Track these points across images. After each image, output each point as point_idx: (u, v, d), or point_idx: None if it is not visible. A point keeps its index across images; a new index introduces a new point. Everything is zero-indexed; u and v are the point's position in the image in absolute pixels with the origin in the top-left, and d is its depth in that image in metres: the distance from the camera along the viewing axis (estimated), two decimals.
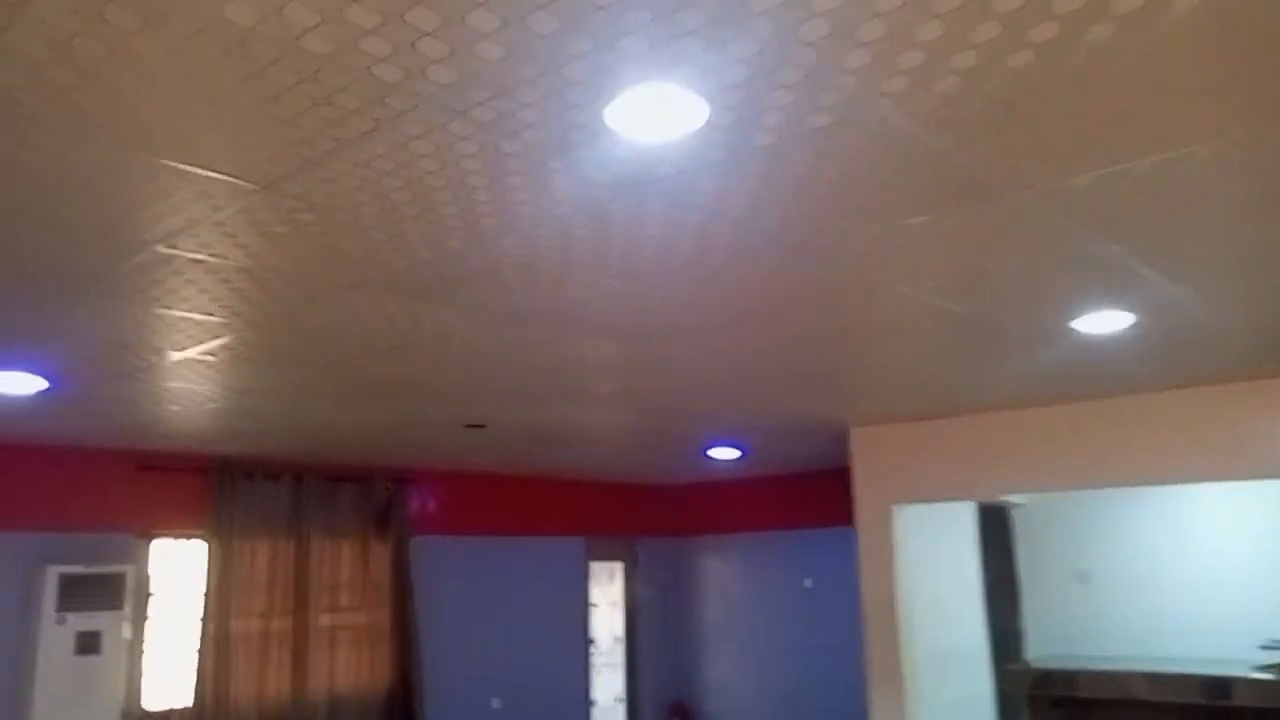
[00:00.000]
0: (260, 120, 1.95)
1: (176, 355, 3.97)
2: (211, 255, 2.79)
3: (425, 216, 2.51)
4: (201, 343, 3.80)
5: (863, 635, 6.48)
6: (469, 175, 2.25)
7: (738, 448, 7.88)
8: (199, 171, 2.20)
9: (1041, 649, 8.39)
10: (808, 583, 9.82)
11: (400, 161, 2.16)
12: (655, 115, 1.91)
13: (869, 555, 6.47)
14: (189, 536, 7.11)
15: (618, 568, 10.66)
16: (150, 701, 6.67)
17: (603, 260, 2.91)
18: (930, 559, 6.93)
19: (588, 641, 9.90)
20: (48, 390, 4.52)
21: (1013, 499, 8.28)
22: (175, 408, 5.11)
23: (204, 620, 6.86)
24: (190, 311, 3.36)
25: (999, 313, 3.64)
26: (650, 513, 10.82)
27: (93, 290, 3.07)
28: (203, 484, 7.11)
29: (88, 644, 6.03)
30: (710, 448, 7.81)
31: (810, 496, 9.84)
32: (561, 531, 9.72)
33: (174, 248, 2.72)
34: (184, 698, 6.80)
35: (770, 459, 8.52)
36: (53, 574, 6.01)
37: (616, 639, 10.46)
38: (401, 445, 6.88)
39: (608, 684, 10.21)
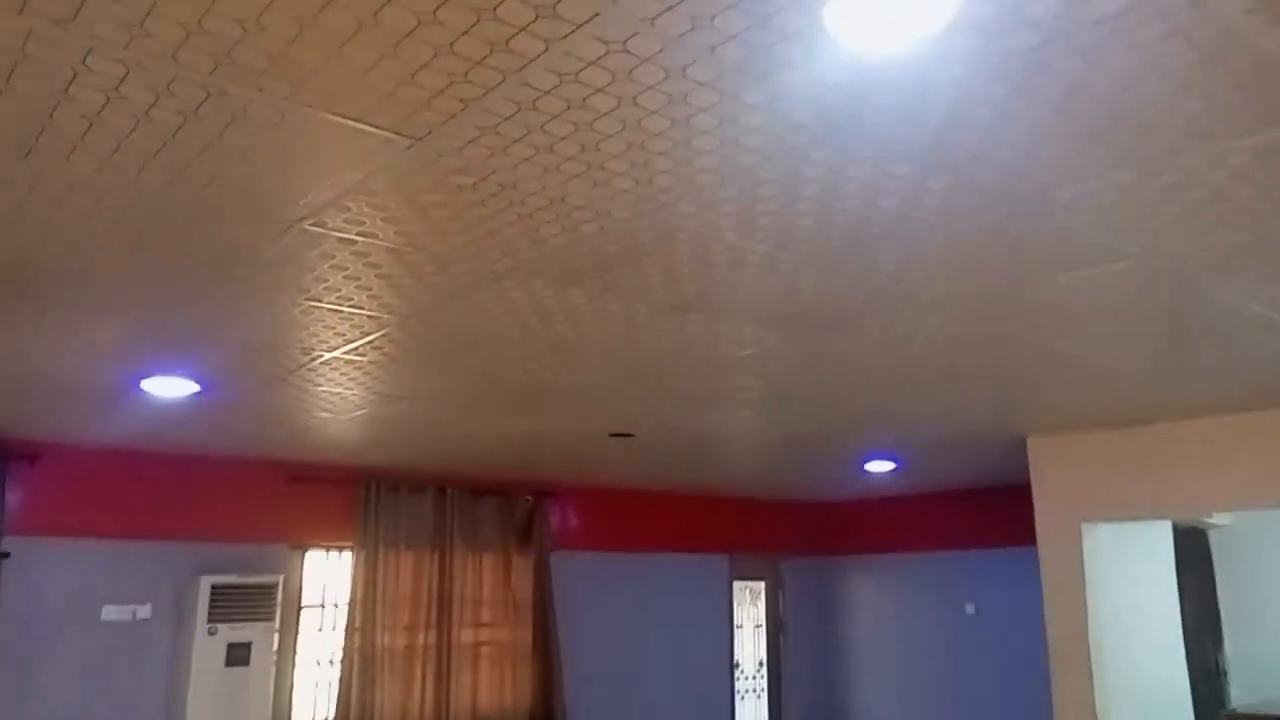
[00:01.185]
0: (414, 47, 1.67)
1: (325, 355, 3.82)
2: (360, 234, 2.57)
3: (592, 174, 2.20)
4: (350, 341, 3.62)
5: (1044, 670, 5.82)
6: (647, 117, 1.92)
7: (893, 460, 7.33)
8: (347, 123, 1.95)
9: (1248, 693, 7.44)
10: (970, 609, 9.09)
11: (569, 100, 1.86)
12: (890, 10, 1.53)
13: (1054, 581, 5.81)
14: (338, 549, 7.09)
15: (761, 588, 10.18)
16: (300, 714, 6.64)
17: (788, 229, 2.53)
18: (1121, 586, 6.20)
19: (731, 665, 9.46)
20: (200, 394, 4.47)
21: (1213, 519, 7.40)
22: (325, 414, 5.01)
23: (349, 633, 6.80)
24: (338, 304, 3.17)
25: (1250, 287, 3.06)
26: (796, 530, 10.31)
27: (240, 277, 2.91)
28: (350, 496, 7.08)
29: (237, 655, 6.01)
30: (868, 460, 7.29)
31: (971, 515, 9.13)
32: (704, 549, 9.34)
33: (322, 225, 2.51)
34: (327, 710, 6.75)
35: (931, 472, 7.90)
36: (206, 584, 6.03)
37: (761, 663, 9.97)
38: (545, 457, 6.66)
39: (751, 709, 9.73)
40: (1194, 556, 7.52)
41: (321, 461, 6.78)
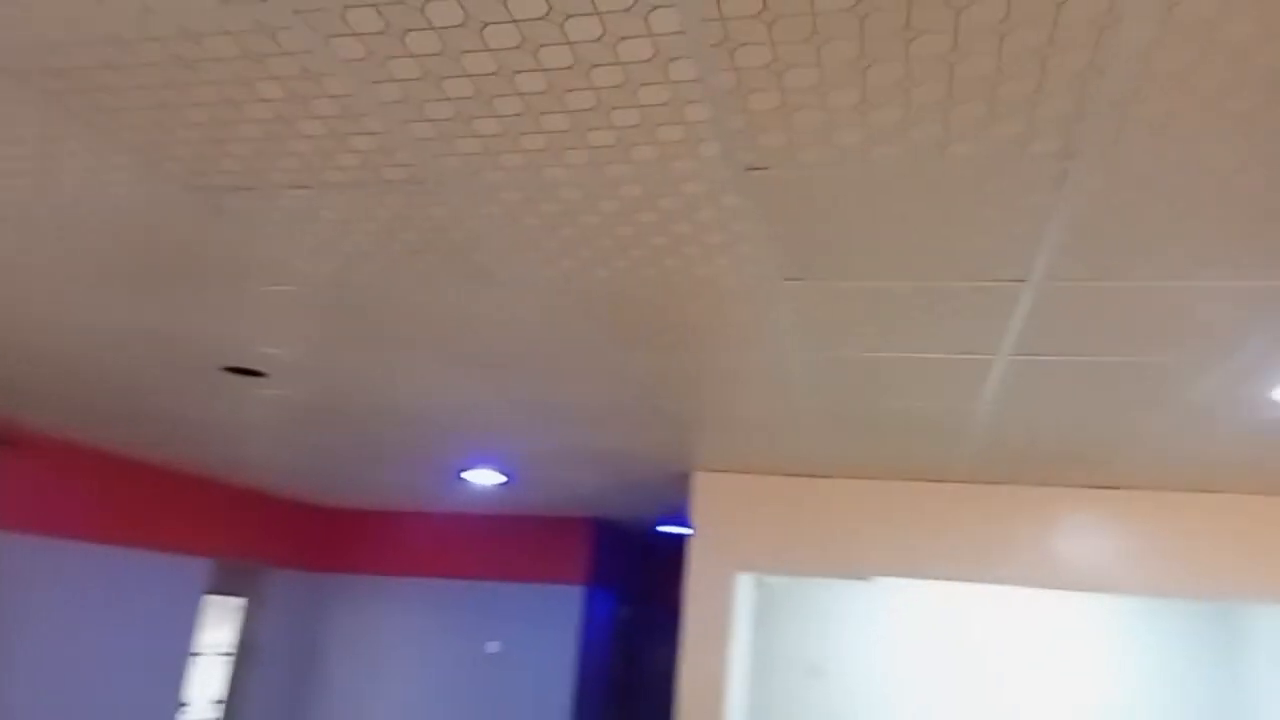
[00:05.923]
0: None
1: None
2: None
3: None
4: None
5: None
6: None
7: (506, 473, 6.23)
8: None
9: None
10: (493, 646, 8.19)
11: None
12: None
13: (699, 633, 5.23)
14: None
15: (240, 605, 8.08)
16: None
17: None
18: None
19: (178, 704, 7.19)
20: None
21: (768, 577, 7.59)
22: None
23: None
24: None
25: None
26: (297, 537, 8.46)
27: None
28: None
29: None
30: (470, 468, 6.08)
31: (513, 544, 8.33)
32: (182, 549, 7.05)
33: None
34: None
35: (541, 493, 6.94)
36: None
37: (222, 702, 7.83)
38: (71, 376, 4.23)
39: None
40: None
41: None
